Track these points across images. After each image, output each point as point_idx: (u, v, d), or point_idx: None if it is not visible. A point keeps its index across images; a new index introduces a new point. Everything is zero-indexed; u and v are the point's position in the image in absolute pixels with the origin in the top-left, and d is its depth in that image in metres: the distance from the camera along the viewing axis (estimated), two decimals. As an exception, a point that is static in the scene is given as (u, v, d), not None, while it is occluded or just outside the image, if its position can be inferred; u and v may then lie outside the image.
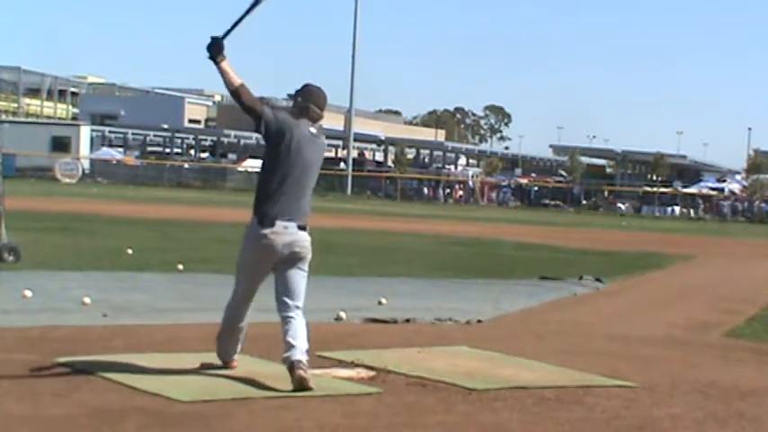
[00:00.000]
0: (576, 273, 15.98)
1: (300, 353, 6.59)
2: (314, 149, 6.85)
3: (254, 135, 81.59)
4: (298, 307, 6.80)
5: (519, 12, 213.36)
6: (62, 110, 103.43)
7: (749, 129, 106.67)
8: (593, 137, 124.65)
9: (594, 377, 7.68)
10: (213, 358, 7.22)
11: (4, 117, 79.59)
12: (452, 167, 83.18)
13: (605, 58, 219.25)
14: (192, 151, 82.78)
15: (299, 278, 6.82)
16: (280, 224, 6.70)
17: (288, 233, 6.71)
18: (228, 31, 6.78)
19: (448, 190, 65.21)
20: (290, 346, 6.61)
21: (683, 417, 6.59)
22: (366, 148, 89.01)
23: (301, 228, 6.76)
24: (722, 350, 9.60)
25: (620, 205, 61.89)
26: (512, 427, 6.07)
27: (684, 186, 68.49)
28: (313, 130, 6.85)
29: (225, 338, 7.10)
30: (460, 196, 64.04)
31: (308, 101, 6.87)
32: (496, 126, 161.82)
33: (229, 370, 7.09)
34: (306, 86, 6.95)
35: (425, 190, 64.40)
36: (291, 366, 6.54)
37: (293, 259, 6.78)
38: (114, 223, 23.61)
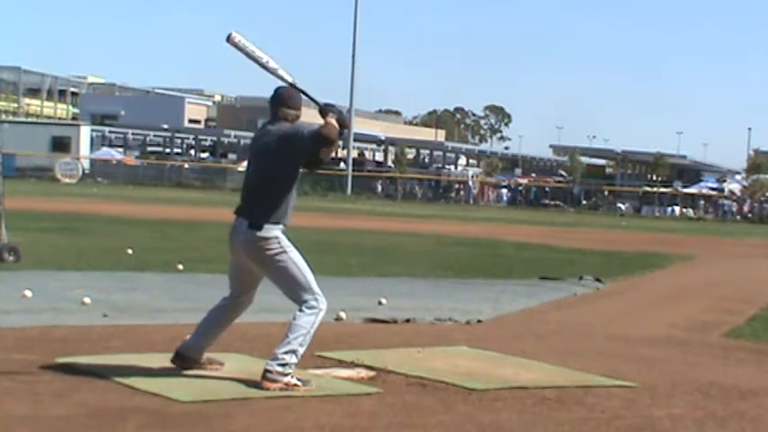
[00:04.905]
0: (576, 273, 15.99)
1: (270, 362, 6.67)
2: (261, 144, 6.96)
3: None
4: (298, 306, 6.79)
5: (519, 12, 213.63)
6: (62, 110, 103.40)
7: (749, 129, 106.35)
8: (594, 137, 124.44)
9: (594, 377, 7.68)
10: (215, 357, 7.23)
11: (4, 117, 79.58)
12: (452, 167, 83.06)
13: (605, 58, 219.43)
14: (192, 151, 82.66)
15: (276, 279, 6.86)
16: (237, 220, 6.88)
17: (240, 230, 6.83)
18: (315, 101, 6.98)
19: (448, 190, 65.16)
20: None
21: (683, 417, 6.59)
22: (366, 148, 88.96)
23: (252, 226, 6.77)
24: (722, 350, 9.60)
25: (620, 205, 61.84)
26: (512, 427, 6.07)
27: (684, 186, 68.39)
28: (272, 126, 6.91)
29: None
30: (460, 196, 63.98)
31: (275, 105, 6.95)
32: (496, 126, 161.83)
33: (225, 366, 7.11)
34: (274, 91, 7.02)
35: (425, 190, 64.35)
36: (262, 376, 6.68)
37: (257, 259, 6.81)
38: (114, 223, 23.60)
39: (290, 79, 6.99)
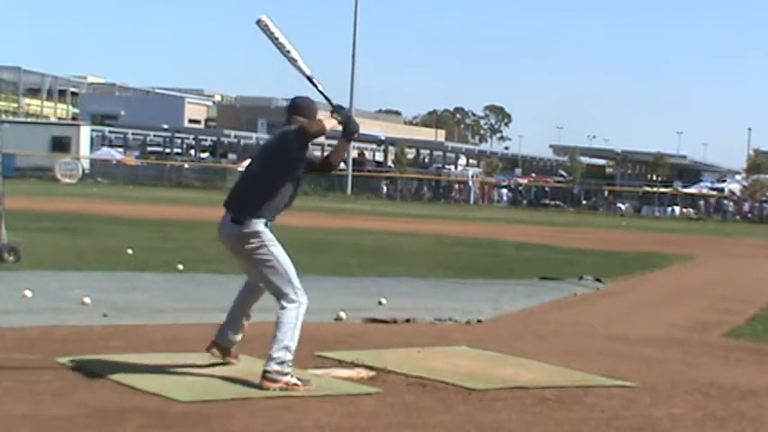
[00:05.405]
0: (576, 273, 15.99)
1: (267, 363, 6.70)
2: (264, 143, 7.18)
3: (254, 135, 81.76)
4: (279, 303, 6.83)
5: (519, 12, 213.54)
6: (62, 110, 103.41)
7: (749, 129, 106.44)
8: (594, 137, 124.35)
9: (594, 377, 7.68)
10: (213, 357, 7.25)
11: (4, 117, 79.57)
12: (452, 167, 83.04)
13: (605, 58, 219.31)
14: (192, 151, 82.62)
15: (258, 272, 6.92)
16: (225, 214, 7.00)
17: (225, 224, 6.97)
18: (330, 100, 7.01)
19: (448, 190, 65.14)
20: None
21: (683, 417, 6.59)
22: (366, 148, 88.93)
23: (234, 220, 6.88)
24: (722, 350, 9.60)
25: (620, 205, 61.86)
26: (512, 427, 6.07)
27: (684, 186, 68.43)
28: (279, 128, 7.10)
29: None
30: (461, 196, 63.97)
31: (290, 113, 7.08)
32: (496, 126, 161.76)
33: (226, 365, 7.15)
34: (291, 100, 7.17)
35: (425, 190, 64.33)
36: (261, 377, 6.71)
37: (240, 252, 6.91)
38: (114, 223, 23.60)
39: (308, 72, 7.10)
